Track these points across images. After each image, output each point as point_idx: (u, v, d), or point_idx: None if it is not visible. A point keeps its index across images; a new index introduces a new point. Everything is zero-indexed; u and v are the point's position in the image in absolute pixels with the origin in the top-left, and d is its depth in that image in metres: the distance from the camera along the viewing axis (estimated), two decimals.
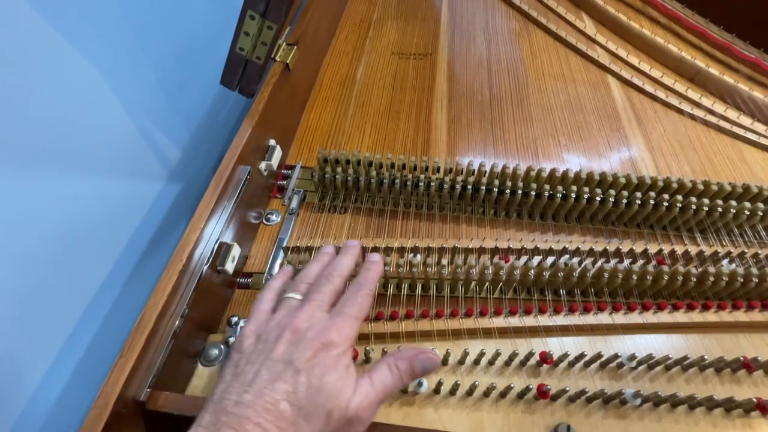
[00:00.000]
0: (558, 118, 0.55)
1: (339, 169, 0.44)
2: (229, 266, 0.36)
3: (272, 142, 0.45)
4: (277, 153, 0.45)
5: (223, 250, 0.36)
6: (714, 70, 0.56)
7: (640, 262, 0.39)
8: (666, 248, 0.39)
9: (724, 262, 0.39)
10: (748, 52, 0.60)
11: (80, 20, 0.36)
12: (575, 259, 0.38)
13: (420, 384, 0.31)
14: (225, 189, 0.36)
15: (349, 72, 0.62)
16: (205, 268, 0.33)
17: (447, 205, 0.44)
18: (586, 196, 0.40)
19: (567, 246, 0.39)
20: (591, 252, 0.39)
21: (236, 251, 0.37)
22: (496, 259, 0.39)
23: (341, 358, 0.25)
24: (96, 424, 0.24)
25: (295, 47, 0.49)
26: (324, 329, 0.25)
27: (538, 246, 0.39)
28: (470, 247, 0.39)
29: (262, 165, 0.43)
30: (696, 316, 0.35)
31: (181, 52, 0.50)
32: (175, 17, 0.48)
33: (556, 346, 0.34)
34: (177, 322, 0.30)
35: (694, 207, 0.39)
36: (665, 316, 0.35)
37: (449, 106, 0.56)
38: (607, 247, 0.39)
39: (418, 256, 0.38)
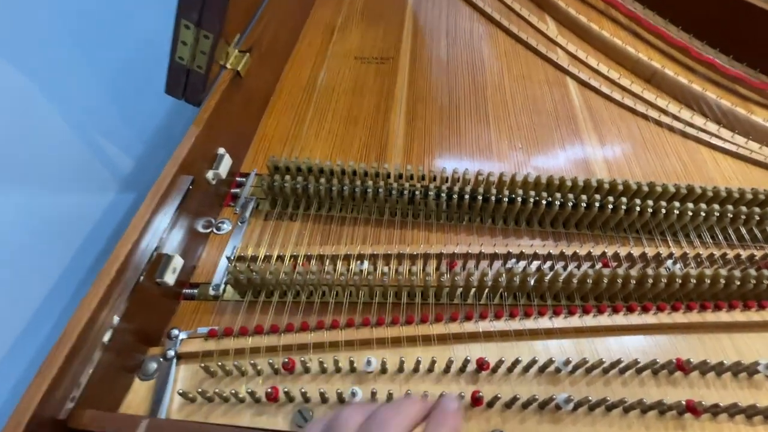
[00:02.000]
0: (515, 121, 0.55)
1: (288, 177, 0.43)
2: (170, 278, 0.36)
3: (221, 150, 0.45)
4: (226, 161, 0.45)
5: (162, 262, 0.35)
6: (670, 71, 0.57)
7: (586, 265, 0.39)
8: (610, 251, 0.39)
9: (669, 263, 0.39)
10: (705, 53, 0.61)
11: (11, 33, 0.35)
12: (521, 263, 0.39)
13: (354, 394, 0.31)
14: (164, 199, 0.36)
15: (310, 78, 0.62)
16: (142, 279, 0.33)
17: (398, 210, 0.44)
18: (532, 200, 0.41)
19: (511, 251, 0.39)
20: (536, 256, 0.39)
21: (177, 262, 0.37)
22: (441, 265, 0.39)
23: None
24: None
25: (248, 54, 0.49)
26: None
27: (483, 251, 0.39)
28: (416, 253, 0.39)
29: (210, 174, 0.43)
30: (635, 319, 0.35)
31: (132, 61, 0.50)
32: (121, 26, 0.48)
33: (494, 351, 0.34)
34: (107, 336, 0.30)
35: (638, 209, 0.40)
36: (605, 319, 0.35)
37: (408, 110, 0.56)
38: (551, 251, 0.39)
39: (365, 263, 0.38)
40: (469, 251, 0.39)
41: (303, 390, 0.30)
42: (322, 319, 0.35)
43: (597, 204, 0.40)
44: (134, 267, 0.33)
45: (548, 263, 0.39)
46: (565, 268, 0.38)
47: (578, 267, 0.38)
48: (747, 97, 0.57)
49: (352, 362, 0.32)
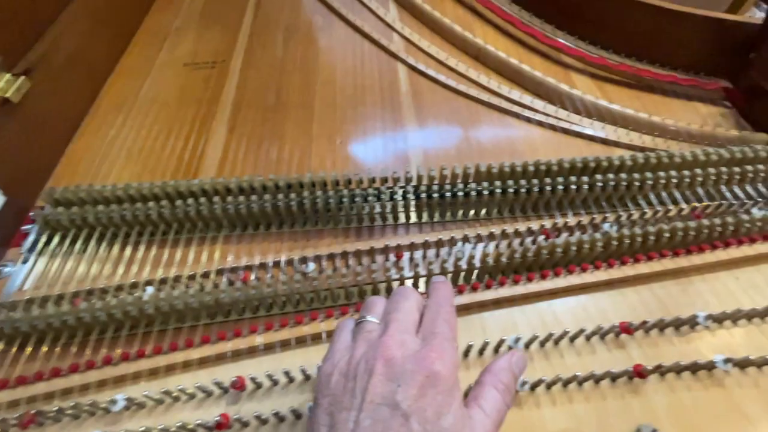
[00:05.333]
0: (340, 116, 0.54)
1: (74, 208, 0.40)
2: None
3: None
4: None
5: None
6: (492, 47, 0.57)
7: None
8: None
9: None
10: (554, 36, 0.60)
11: None
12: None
13: None
14: None
15: (132, 91, 0.58)
16: None
17: (196, 229, 0.42)
18: (331, 201, 0.40)
19: (307, 256, 0.38)
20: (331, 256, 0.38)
21: None
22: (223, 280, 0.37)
23: (453, 392, 0.21)
24: None
25: (23, 78, 0.45)
26: (423, 357, 0.21)
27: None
28: (206, 271, 0.38)
29: None
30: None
31: None
32: None
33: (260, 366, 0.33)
34: None
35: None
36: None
37: (232, 117, 0.54)
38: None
39: (149, 290, 0.36)
40: (263, 262, 0.38)
41: None
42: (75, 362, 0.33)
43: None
44: None
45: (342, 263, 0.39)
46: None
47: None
48: (569, 65, 0.58)
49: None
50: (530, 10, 0.63)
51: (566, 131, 0.50)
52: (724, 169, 0.41)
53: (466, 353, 0.33)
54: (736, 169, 0.41)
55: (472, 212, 0.42)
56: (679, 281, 0.37)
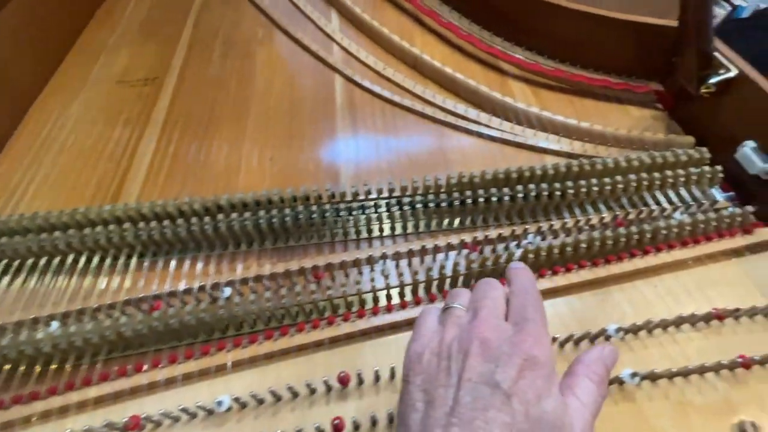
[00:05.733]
0: (273, 131, 0.52)
1: None
2: None
3: None
4: None
5: None
6: (428, 56, 0.57)
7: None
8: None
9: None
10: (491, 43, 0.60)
11: None
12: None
13: None
14: None
15: (61, 111, 0.56)
16: None
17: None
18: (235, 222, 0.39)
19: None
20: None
21: None
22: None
23: (551, 378, 0.21)
24: None
25: None
26: (520, 341, 0.21)
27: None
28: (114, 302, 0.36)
29: None
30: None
31: None
32: None
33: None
34: None
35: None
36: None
37: (161, 136, 0.52)
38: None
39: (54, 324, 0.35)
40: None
41: None
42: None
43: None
44: None
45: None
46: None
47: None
48: (506, 72, 0.58)
49: None
50: (469, 17, 0.63)
51: (497, 140, 0.50)
52: (644, 175, 0.41)
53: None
54: (657, 175, 0.41)
55: (395, 227, 0.41)
56: (596, 292, 0.36)
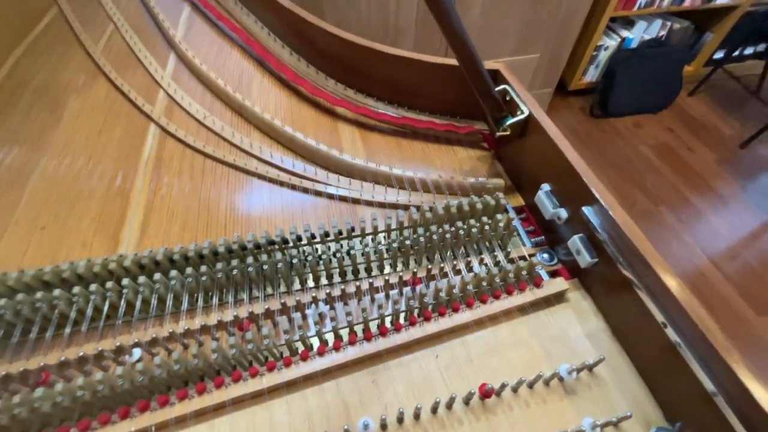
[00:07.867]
0: (55, 195, 0.46)
1: None
2: None
3: None
4: None
5: None
6: (249, 102, 0.52)
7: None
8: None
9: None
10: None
11: None
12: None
13: None
14: None
15: None
16: None
17: None
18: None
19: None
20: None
21: None
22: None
23: None
24: None
25: None
26: None
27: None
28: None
29: None
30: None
31: None
32: None
33: None
34: None
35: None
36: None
37: None
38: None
39: None
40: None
41: None
42: None
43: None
44: None
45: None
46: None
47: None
48: (339, 116, 0.55)
49: None
50: (307, 59, 0.61)
51: (310, 191, 0.46)
52: (447, 227, 0.38)
53: None
54: (460, 224, 0.38)
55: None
56: (371, 370, 0.32)
